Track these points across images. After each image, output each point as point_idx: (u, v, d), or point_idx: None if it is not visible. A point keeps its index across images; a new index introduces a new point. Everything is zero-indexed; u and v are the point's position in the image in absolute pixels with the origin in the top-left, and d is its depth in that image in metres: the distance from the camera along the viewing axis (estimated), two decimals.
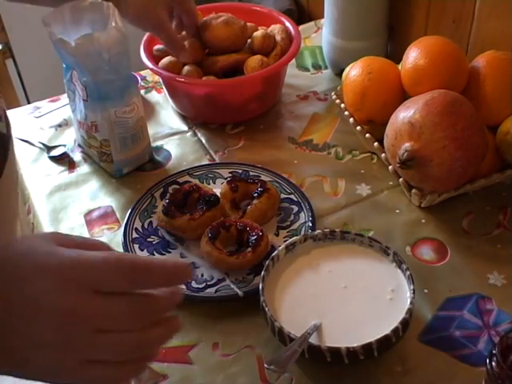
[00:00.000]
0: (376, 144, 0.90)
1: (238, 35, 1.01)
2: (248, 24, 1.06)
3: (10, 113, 1.11)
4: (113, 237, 0.86)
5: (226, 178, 0.90)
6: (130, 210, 0.86)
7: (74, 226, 0.88)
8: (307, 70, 1.18)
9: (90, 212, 0.90)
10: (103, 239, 0.85)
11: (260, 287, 0.69)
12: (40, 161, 1.01)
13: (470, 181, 0.83)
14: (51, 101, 1.14)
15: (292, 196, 0.87)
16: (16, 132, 1.06)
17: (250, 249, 0.77)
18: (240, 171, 0.91)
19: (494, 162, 0.85)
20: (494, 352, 0.55)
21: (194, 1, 0.95)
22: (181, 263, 0.49)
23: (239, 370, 0.69)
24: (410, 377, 0.67)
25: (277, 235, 0.83)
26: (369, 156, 0.96)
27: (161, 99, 1.12)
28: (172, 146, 1.01)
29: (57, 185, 0.95)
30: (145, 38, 1.06)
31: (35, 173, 0.98)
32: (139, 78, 1.14)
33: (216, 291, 0.75)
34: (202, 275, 0.78)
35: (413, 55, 0.87)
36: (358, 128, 0.93)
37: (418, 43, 0.89)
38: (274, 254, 0.73)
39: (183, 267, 0.48)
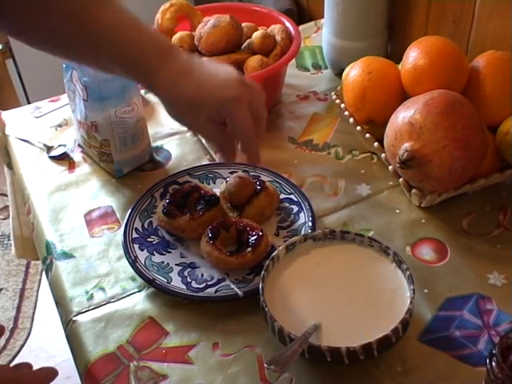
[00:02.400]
0: (376, 144, 0.90)
1: (230, 30, 1.01)
2: (248, 24, 1.06)
3: (10, 113, 1.11)
4: (113, 237, 0.86)
5: (225, 178, 0.90)
6: (129, 210, 0.86)
7: (74, 226, 0.88)
8: (307, 70, 1.18)
9: (89, 212, 0.90)
10: (103, 239, 0.86)
11: (260, 287, 0.69)
12: (40, 161, 1.00)
13: (470, 181, 0.83)
14: (51, 101, 1.13)
15: (292, 196, 0.87)
16: (16, 132, 1.07)
17: (249, 249, 0.77)
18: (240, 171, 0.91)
19: (493, 161, 0.85)
20: (494, 352, 0.55)
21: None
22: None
23: (239, 369, 0.69)
24: (410, 377, 0.67)
25: (277, 235, 0.83)
26: (369, 156, 0.96)
27: None
28: (172, 146, 1.01)
29: (57, 185, 0.95)
30: None
31: (35, 173, 0.98)
32: None
33: (216, 291, 0.75)
34: (202, 275, 0.78)
35: (413, 55, 0.87)
36: (358, 128, 0.93)
37: (417, 43, 0.89)
38: (274, 254, 0.73)
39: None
